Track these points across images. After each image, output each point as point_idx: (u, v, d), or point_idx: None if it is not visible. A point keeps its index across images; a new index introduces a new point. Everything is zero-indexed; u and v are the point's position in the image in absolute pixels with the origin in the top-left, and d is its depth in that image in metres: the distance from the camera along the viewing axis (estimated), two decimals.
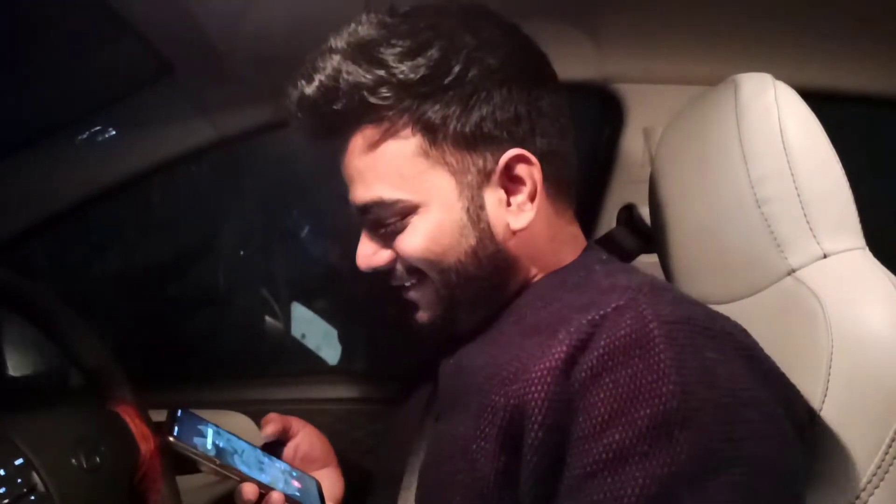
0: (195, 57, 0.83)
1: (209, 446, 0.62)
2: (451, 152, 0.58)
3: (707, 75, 0.78)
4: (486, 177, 0.59)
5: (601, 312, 0.50)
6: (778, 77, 0.61)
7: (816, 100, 0.62)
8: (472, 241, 0.59)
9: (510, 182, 0.60)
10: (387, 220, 0.60)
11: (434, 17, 0.59)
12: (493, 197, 0.59)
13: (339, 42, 0.58)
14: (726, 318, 0.52)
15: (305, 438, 0.72)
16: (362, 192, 0.60)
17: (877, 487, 0.48)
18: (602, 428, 0.46)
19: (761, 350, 0.52)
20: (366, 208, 0.61)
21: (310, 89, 0.58)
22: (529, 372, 0.50)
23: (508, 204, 0.60)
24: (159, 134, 0.94)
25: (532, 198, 0.60)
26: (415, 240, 0.60)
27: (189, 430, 0.62)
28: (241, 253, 1.62)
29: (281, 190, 1.55)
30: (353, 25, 0.59)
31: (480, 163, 0.58)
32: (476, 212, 0.59)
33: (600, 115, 1.02)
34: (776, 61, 0.86)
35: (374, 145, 0.59)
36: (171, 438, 0.59)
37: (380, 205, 0.59)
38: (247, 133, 0.96)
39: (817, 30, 0.89)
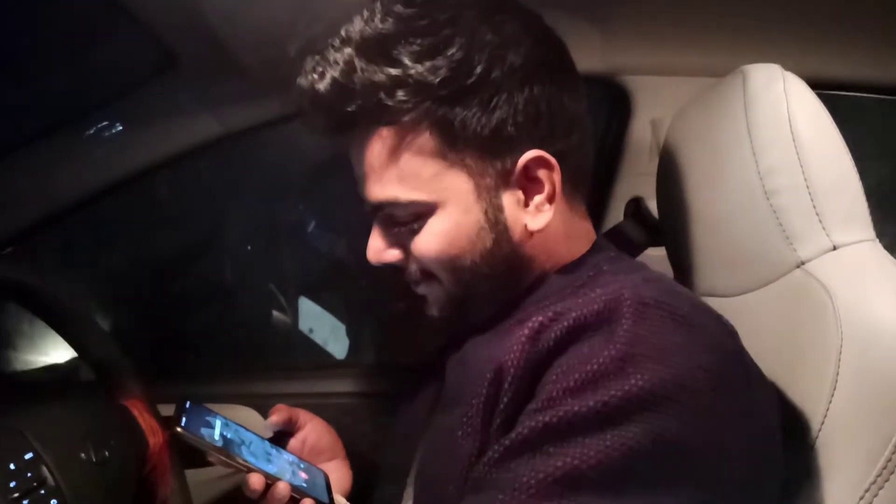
0: (201, 50, 0.83)
1: (216, 437, 0.62)
2: (469, 154, 0.56)
3: (715, 66, 0.77)
4: (504, 178, 0.58)
5: (586, 297, 0.52)
6: (787, 68, 0.60)
7: (826, 90, 0.61)
8: (489, 243, 0.58)
9: (528, 182, 0.58)
10: (401, 218, 0.59)
11: (452, 9, 0.56)
12: (511, 198, 0.58)
13: (351, 34, 0.56)
14: (715, 316, 0.52)
15: (313, 430, 0.72)
16: (377, 191, 0.59)
17: (887, 481, 0.48)
18: (546, 385, 0.49)
19: (738, 354, 0.51)
20: (379, 206, 0.60)
21: (322, 85, 0.56)
22: (508, 344, 0.52)
23: (526, 205, 0.59)
24: (165, 128, 0.94)
25: (550, 200, 0.58)
26: (431, 241, 0.59)
27: (197, 420, 0.62)
28: (248, 248, 1.63)
29: (289, 183, 1.56)
30: (366, 15, 0.56)
31: (499, 165, 0.57)
32: (494, 214, 0.58)
33: (607, 107, 1.02)
34: (785, 52, 0.85)
35: (389, 146, 0.57)
36: (179, 429, 0.60)
37: (394, 204, 0.58)
38: (253, 128, 0.96)
39: (827, 19, 0.88)
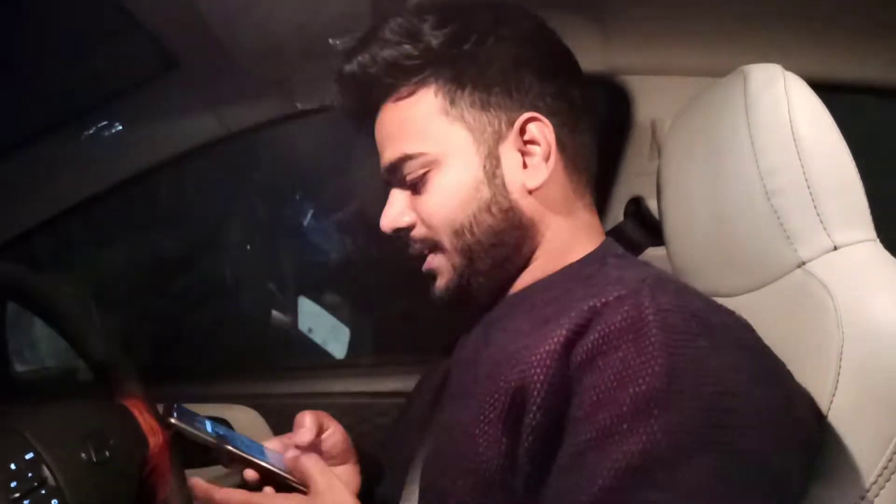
0: (201, 51, 0.83)
1: (210, 431, 0.62)
2: (468, 111, 0.63)
3: (715, 66, 0.77)
4: (502, 137, 0.63)
5: (602, 300, 0.51)
6: (787, 67, 0.60)
7: (826, 90, 0.61)
8: (487, 194, 0.63)
9: (525, 145, 0.63)
10: (411, 173, 0.64)
11: (462, 2, 0.66)
12: (509, 158, 0.63)
13: (380, 29, 0.64)
14: (730, 313, 0.52)
15: (331, 436, 0.72)
16: (390, 152, 0.65)
17: (888, 481, 0.48)
18: (591, 409, 0.47)
19: (763, 347, 0.51)
20: (393, 167, 0.65)
21: (349, 67, 0.66)
22: (532, 356, 0.51)
23: (525, 166, 0.64)
24: (166, 129, 0.94)
25: (546, 158, 0.63)
26: (434, 197, 0.64)
27: (188, 418, 0.62)
28: (248, 247, 1.63)
29: (289, 182, 1.56)
30: (392, 17, 0.65)
31: (496, 123, 0.63)
32: (492, 169, 0.63)
33: (608, 107, 1.02)
34: (785, 52, 0.85)
35: (401, 108, 0.65)
36: (173, 420, 0.60)
37: (405, 159, 0.64)
38: (254, 127, 0.96)
39: (827, 19, 0.88)
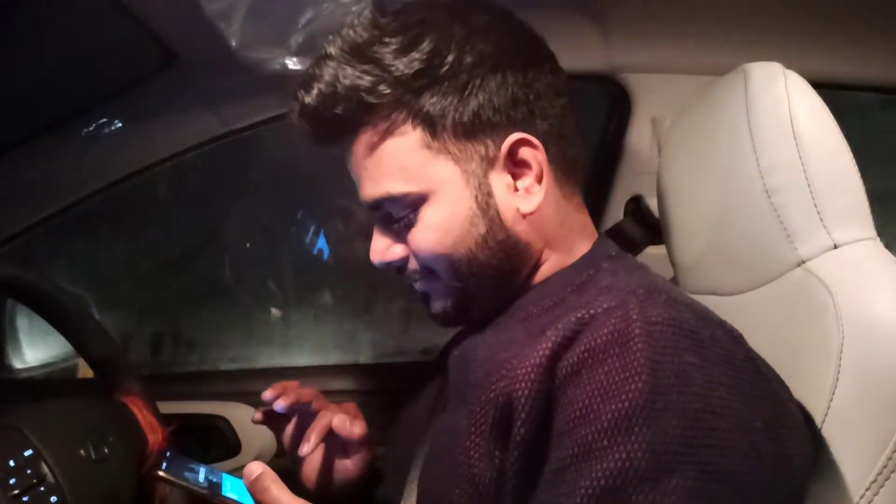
0: (201, 47, 0.83)
1: (201, 481, 0.62)
2: (452, 142, 0.59)
3: (716, 64, 0.77)
4: (490, 163, 0.59)
5: (591, 312, 0.50)
6: (788, 66, 0.60)
7: (827, 89, 0.61)
8: (483, 229, 0.59)
9: (515, 167, 0.60)
10: (398, 214, 0.61)
11: (424, 11, 0.60)
12: (500, 183, 0.60)
13: (333, 48, 0.59)
14: (721, 324, 0.51)
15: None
16: (371, 189, 0.61)
17: (887, 479, 0.48)
18: (573, 424, 0.47)
19: (754, 360, 0.51)
20: (376, 204, 0.61)
21: (309, 98, 0.59)
22: (518, 369, 0.50)
23: (516, 189, 0.60)
24: (164, 126, 0.94)
25: (539, 180, 0.60)
26: (427, 233, 0.60)
27: (178, 468, 0.62)
28: (248, 245, 1.63)
29: (289, 181, 1.55)
30: (345, 29, 0.60)
31: (483, 150, 0.59)
32: (485, 199, 0.59)
33: (608, 105, 1.02)
34: (786, 50, 0.85)
35: (376, 143, 0.59)
36: (161, 473, 0.60)
37: (389, 199, 0.60)
38: (253, 125, 0.96)
39: (828, 18, 0.88)
